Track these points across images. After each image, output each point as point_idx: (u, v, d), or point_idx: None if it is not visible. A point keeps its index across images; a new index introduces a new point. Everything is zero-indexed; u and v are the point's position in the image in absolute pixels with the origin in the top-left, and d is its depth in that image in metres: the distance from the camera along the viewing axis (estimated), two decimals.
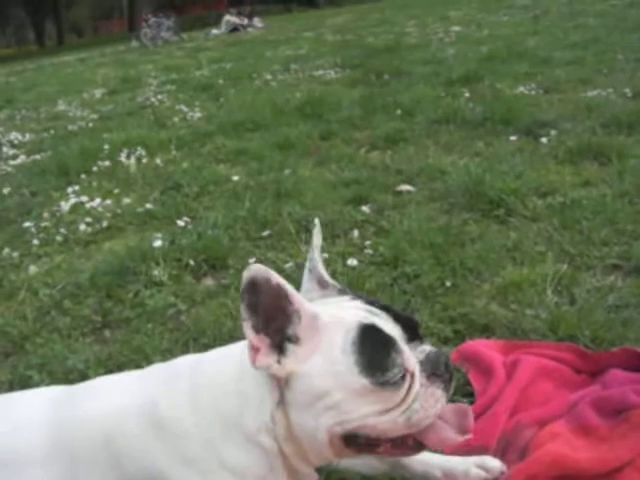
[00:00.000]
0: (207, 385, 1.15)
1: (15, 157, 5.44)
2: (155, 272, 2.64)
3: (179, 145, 4.91)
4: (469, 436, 1.13)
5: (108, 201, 3.76)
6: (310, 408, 1.06)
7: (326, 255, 2.55)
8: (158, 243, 2.90)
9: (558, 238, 2.50)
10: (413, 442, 1.12)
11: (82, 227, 3.38)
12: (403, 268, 2.40)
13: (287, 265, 2.58)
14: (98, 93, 9.09)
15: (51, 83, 11.95)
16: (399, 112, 4.90)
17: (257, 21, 20.40)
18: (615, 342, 1.82)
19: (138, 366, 1.90)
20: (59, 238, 3.29)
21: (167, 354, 2.03)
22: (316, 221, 1.24)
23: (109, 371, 1.96)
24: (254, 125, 5.20)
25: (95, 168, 4.52)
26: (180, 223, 3.20)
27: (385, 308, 1.14)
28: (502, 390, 1.66)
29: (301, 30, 15.91)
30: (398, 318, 1.12)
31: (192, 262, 2.73)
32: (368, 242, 2.70)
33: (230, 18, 20.05)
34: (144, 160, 4.60)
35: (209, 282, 2.63)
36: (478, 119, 4.34)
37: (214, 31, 19.76)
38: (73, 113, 7.65)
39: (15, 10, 47.31)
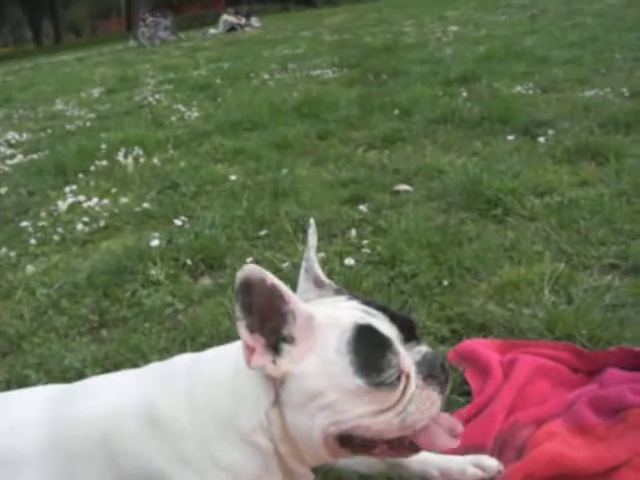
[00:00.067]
0: (204, 384, 1.15)
1: (12, 156, 5.42)
2: (152, 271, 2.64)
3: (176, 144, 4.91)
4: (458, 442, 1.13)
5: (105, 200, 3.75)
6: (305, 408, 1.06)
7: (323, 254, 2.55)
8: (155, 242, 2.90)
9: (555, 237, 2.50)
10: (409, 444, 1.12)
11: (79, 226, 3.38)
12: (400, 267, 2.40)
13: (284, 265, 2.58)
14: (96, 92, 9.08)
15: (48, 82, 11.93)
16: (396, 112, 4.90)
17: (254, 20, 20.40)
18: (612, 341, 1.82)
19: (135, 365, 1.90)
20: (56, 237, 3.29)
21: (164, 353, 2.03)
22: (311, 221, 1.24)
23: (106, 370, 1.96)
24: (251, 125, 5.20)
25: (92, 167, 4.51)
26: (177, 222, 3.20)
27: (382, 308, 1.13)
28: (499, 389, 1.66)
29: (298, 29, 15.92)
30: (395, 318, 1.11)
31: (189, 261, 2.73)
32: (365, 241, 2.70)
33: (227, 17, 20.04)
34: (141, 159, 4.59)
35: (206, 281, 2.63)
36: (475, 119, 4.35)
37: (211, 30, 19.77)
38: (70, 112, 7.64)
39: (12, 9, 47.25)
